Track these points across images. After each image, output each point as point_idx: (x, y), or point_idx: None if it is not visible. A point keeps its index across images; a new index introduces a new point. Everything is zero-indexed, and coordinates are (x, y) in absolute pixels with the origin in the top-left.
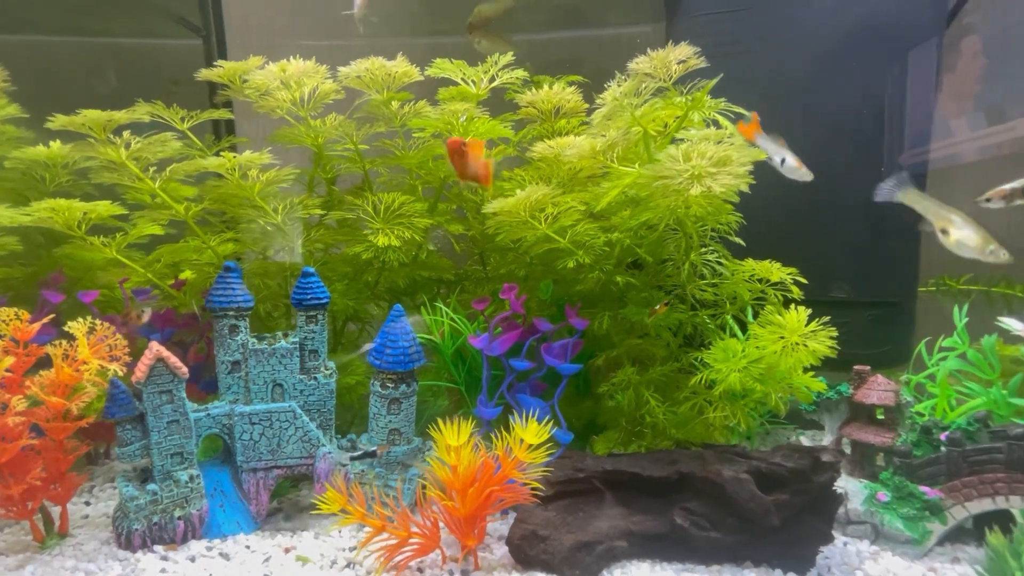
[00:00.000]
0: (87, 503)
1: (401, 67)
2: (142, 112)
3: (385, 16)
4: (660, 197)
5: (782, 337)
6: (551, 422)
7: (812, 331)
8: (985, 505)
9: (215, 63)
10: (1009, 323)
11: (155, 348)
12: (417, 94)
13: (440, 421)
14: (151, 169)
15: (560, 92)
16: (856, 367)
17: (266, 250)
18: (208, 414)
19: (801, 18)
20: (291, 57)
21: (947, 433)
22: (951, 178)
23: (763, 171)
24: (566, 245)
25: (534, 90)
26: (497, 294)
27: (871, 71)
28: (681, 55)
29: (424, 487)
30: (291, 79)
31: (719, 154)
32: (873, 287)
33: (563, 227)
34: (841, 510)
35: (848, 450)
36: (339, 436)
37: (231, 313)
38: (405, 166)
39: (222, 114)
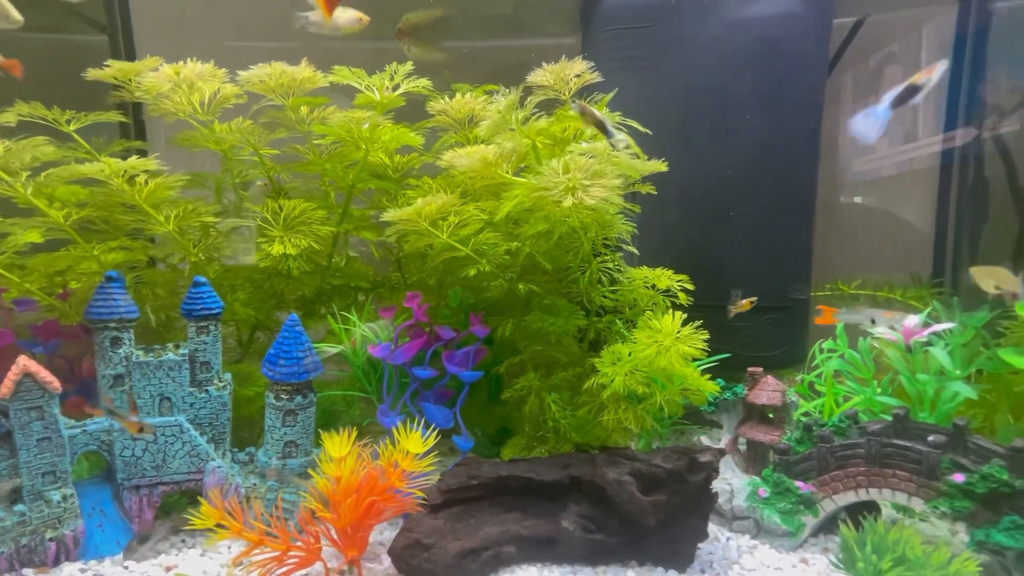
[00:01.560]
0: None
1: (304, 72)
2: (12, 115)
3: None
4: (546, 208)
5: (657, 341)
6: (452, 429)
7: (684, 334)
8: (849, 497)
9: (105, 63)
10: (876, 327)
11: (22, 363)
12: (346, 99)
13: (340, 431)
14: (24, 175)
15: (472, 101)
16: (750, 369)
17: (167, 258)
18: (84, 431)
19: (702, 34)
20: (204, 59)
21: (819, 431)
22: (844, 189)
23: (668, 184)
24: (468, 253)
25: (447, 98)
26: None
27: (768, 86)
28: (577, 69)
29: (306, 500)
30: (186, 82)
31: (594, 168)
32: (769, 293)
33: (466, 236)
34: (728, 507)
35: (743, 448)
36: (236, 450)
37: (112, 325)
38: (311, 172)
39: (111, 116)
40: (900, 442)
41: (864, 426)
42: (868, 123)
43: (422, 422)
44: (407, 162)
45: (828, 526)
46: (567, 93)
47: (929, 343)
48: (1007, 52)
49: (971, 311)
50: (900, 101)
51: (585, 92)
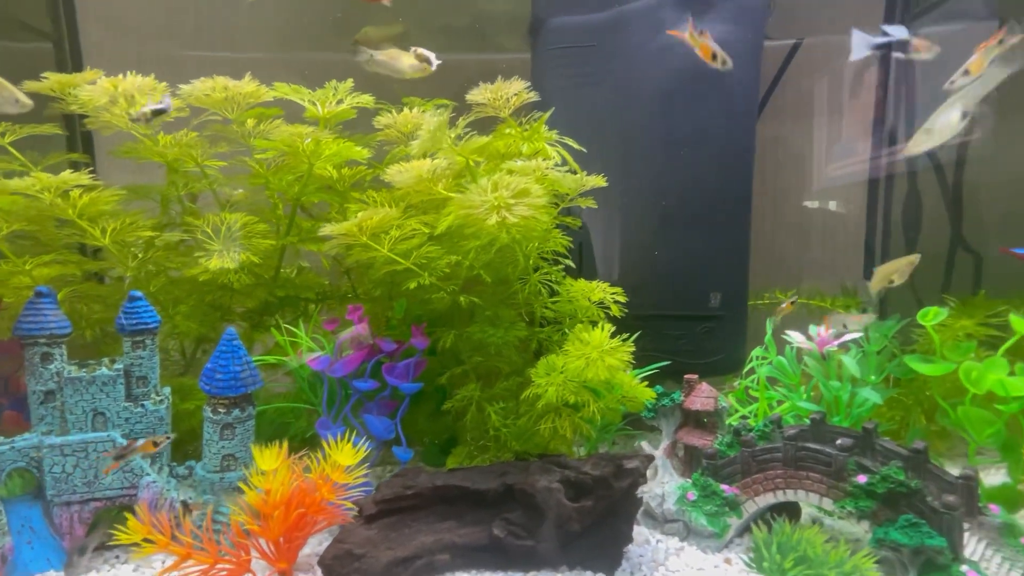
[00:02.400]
0: None
1: (248, 87)
2: None
3: (280, 30)
4: (478, 224)
5: (584, 354)
6: (393, 440)
7: (612, 346)
8: (769, 499)
9: (43, 75)
10: (791, 336)
11: None
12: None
13: (287, 443)
14: None
15: (419, 115)
16: (686, 376)
17: (108, 272)
18: (12, 447)
19: (641, 53)
20: (160, 68)
21: (744, 435)
22: (776, 207)
23: (611, 198)
24: (409, 266)
25: (393, 113)
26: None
27: (703, 104)
28: (514, 89)
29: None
30: (124, 95)
31: (520, 186)
32: (706, 302)
33: (408, 249)
34: (660, 510)
35: (681, 453)
36: (176, 464)
37: (42, 340)
38: (254, 185)
39: (47, 129)
40: (812, 446)
41: (783, 430)
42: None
43: (362, 434)
44: (355, 175)
45: (751, 527)
46: (506, 111)
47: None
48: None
49: (884, 319)
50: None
51: (524, 110)
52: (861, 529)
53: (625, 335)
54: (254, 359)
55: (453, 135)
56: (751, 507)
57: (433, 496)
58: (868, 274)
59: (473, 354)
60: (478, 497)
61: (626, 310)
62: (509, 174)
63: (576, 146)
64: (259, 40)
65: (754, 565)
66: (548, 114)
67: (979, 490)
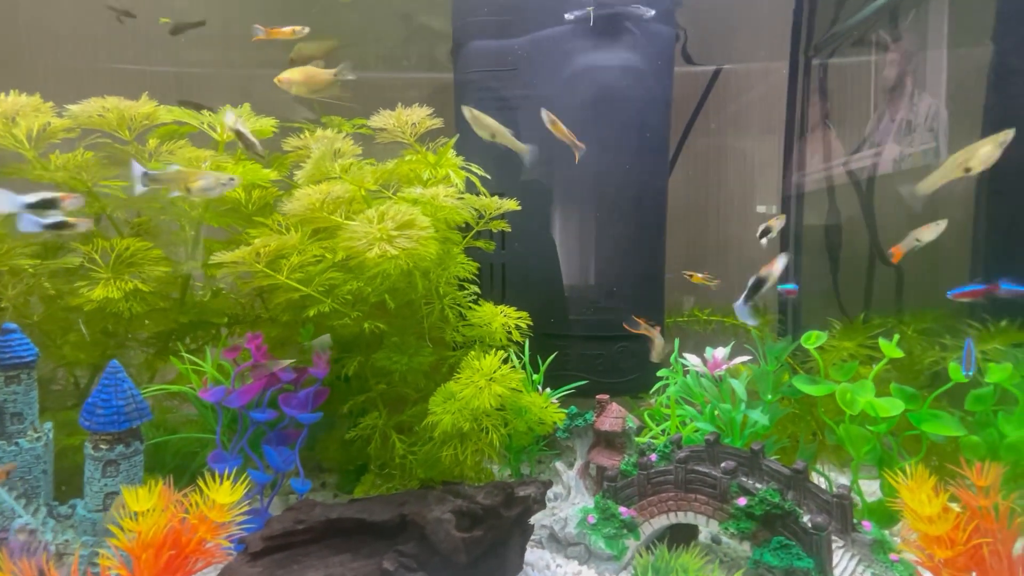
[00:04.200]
0: None
1: (144, 108)
2: None
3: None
4: (364, 254)
5: (474, 381)
6: (290, 472)
7: (501, 374)
8: (663, 521)
9: None
10: (687, 359)
11: None
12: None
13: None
14: None
15: (334, 137)
16: (598, 396)
17: None
18: None
19: (553, 81)
20: (76, 80)
21: (643, 457)
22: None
23: (528, 221)
24: (310, 293)
25: (306, 134)
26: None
27: (616, 129)
28: (415, 117)
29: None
30: (4, 115)
31: (405, 218)
32: (623, 321)
33: (309, 275)
34: (563, 534)
35: (594, 473)
36: (58, 503)
37: None
38: (154, 208)
39: None
40: (700, 468)
41: (677, 452)
42: (741, 312)
43: (259, 466)
44: (264, 197)
45: (651, 547)
46: (410, 137)
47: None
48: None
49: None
50: (752, 293)
51: (429, 136)
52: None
53: (540, 355)
54: (154, 388)
55: (348, 161)
56: (647, 529)
57: (327, 529)
58: (781, 293)
59: (380, 380)
60: (374, 529)
61: (543, 331)
62: (400, 203)
63: (481, 172)
64: (200, 54)
65: None
66: (454, 140)
67: (857, 503)
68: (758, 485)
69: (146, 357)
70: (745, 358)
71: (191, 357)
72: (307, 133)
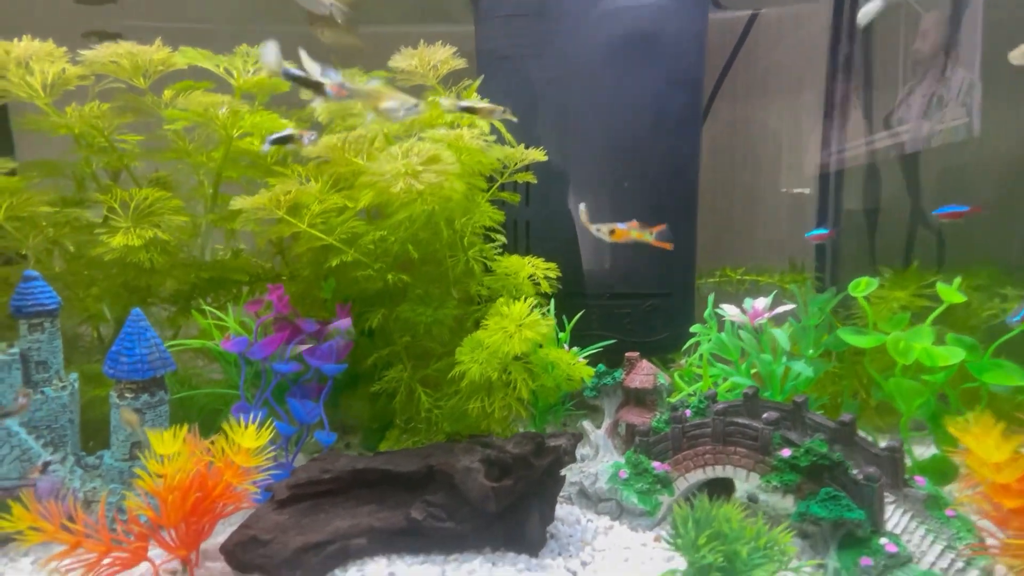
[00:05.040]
0: None
1: (157, 54)
2: None
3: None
4: (390, 194)
5: (504, 328)
6: (317, 424)
7: (531, 320)
8: (699, 475)
9: None
10: (725, 309)
11: None
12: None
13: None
14: None
15: (354, 72)
16: (627, 354)
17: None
18: None
19: (581, 25)
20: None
21: (686, 409)
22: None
23: (552, 173)
24: (331, 242)
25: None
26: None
27: (647, 74)
28: (440, 56)
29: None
30: (17, 60)
31: (430, 153)
32: (651, 279)
33: (332, 225)
34: (593, 489)
35: (623, 431)
36: (84, 453)
37: None
38: (166, 160)
39: None
40: (740, 420)
41: (713, 406)
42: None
43: (284, 418)
44: (282, 150)
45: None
46: (432, 79)
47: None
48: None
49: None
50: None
51: (453, 78)
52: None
53: (565, 315)
54: (176, 343)
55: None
56: (682, 484)
57: (353, 480)
58: (820, 252)
59: (404, 334)
60: (401, 480)
61: (568, 289)
62: (424, 141)
63: (510, 116)
64: (215, 10)
65: (671, 541)
66: (478, 82)
67: (907, 462)
68: (801, 439)
69: (168, 315)
70: (788, 307)
71: (214, 310)
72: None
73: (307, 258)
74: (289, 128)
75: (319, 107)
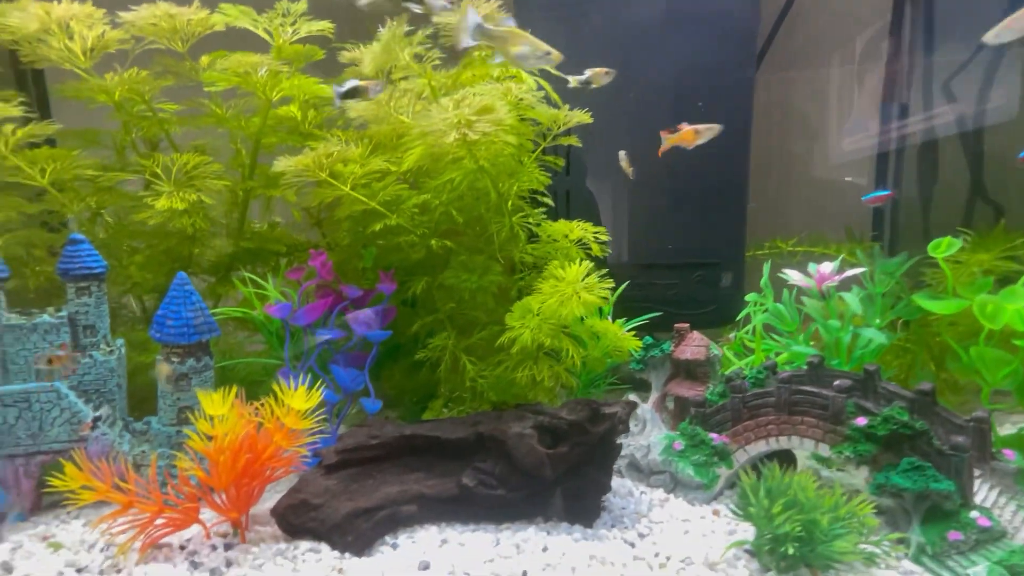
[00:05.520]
0: None
1: (196, 14)
2: None
3: None
4: (440, 150)
5: (559, 291)
6: (361, 391)
7: (588, 283)
8: (761, 447)
9: None
10: (788, 274)
11: None
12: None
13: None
14: None
15: (401, 22)
16: (676, 325)
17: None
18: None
19: None
20: None
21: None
22: (780, 150)
23: (597, 140)
24: (373, 206)
25: (361, 48)
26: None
27: (697, 39)
28: (485, 10)
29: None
30: (58, 23)
31: (482, 103)
32: (700, 250)
33: (374, 189)
34: (645, 461)
35: (671, 405)
36: (133, 419)
37: None
38: (204, 125)
39: None
40: (808, 388)
41: (776, 375)
42: None
43: (328, 385)
44: (320, 116)
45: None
46: None
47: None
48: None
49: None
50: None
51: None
52: (861, 481)
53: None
54: (218, 310)
55: (410, 52)
56: (742, 456)
57: (401, 446)
58: (877, 222)
59: (447, 302)
60: (449, 447)
61: (614, 259)
62: (474, 94)
63: (557, 73)
64: None
65: (740, 512)
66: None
67: (992, 435)
68: (875, 408)
69: (208, 285)
70: (858, 269)
71: (255, 278)
72: (362, 46)
73: (346, 227)
74: (354, 80)
75: (368, 59)
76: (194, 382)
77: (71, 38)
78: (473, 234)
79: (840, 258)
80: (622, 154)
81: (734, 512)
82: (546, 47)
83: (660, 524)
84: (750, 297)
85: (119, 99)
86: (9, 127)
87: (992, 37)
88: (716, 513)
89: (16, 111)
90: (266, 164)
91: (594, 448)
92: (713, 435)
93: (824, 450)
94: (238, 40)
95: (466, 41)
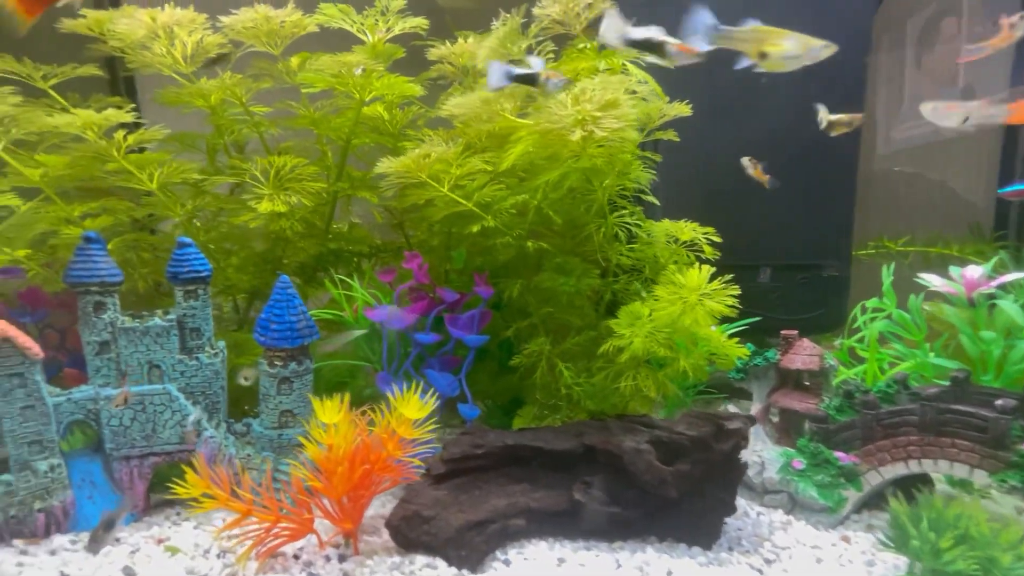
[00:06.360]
0: None
1: (291, 16)
2: None
3: None
4: (552, 149)
5: (682, 298)
6: (458, 398)
7: (712, 290)
8: (899, 469)
9: (80, 12)
10: (928, 279)
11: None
12: (339, 49)
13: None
14: None
15: (476, 45)
16: (783, 332)
17: (155, 224)
18: (70, 399)
19: None
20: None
21: (863, 397)
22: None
23: (692, 131)
24: (471, 208)
25: (449, 44)
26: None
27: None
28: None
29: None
30: (163, 28)
31: (606, 98)
32: (804, 250)
33: (470, 190)
34: (759, 480)
35: (776, 418)
36: (233, 421)
37: (94, 288)
38: (301, 128)
39: (87, 70)
40: (961, 408)
41: (917, 391)
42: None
43: (428, 389)
44: (406, 116)
45: (873, 501)
46: (578, 26)
47: (993, 296)
48: None
49: None
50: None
51: (598, 25)
52: (1010, 509)
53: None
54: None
55: (524, 44)
56: (874, 478)
57: (504, 456)
58: (1000, 219)
59: (542, 306)
60: (553, 458)
61: (711, 260)
62: (597, 88)
63: (662, 62)
64: None
65: (892, 544)
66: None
67: None
68: None
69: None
70: (1015, 275)
71: (346, 279)
72: (447, 43)
73: (436, 228)
74: (539, 63)
75: (483, 53)
76: (295, 385)
77: (172, 43)
78: (568, 235)
79: (994, 260)
80: (746, 161)
81: (883, 543)
82: (818, 40)
83: (787, 549)
84: (872, 303)
85: (214, 103)
86: (120, 133)
87: (929, 111)
88: (846, 539)
89: (128, 116)
90: (349, 165)
91: (718, 466)
92: (839, 454)
93: (980, 477)
94: (314, 41)
95: (703, 46)
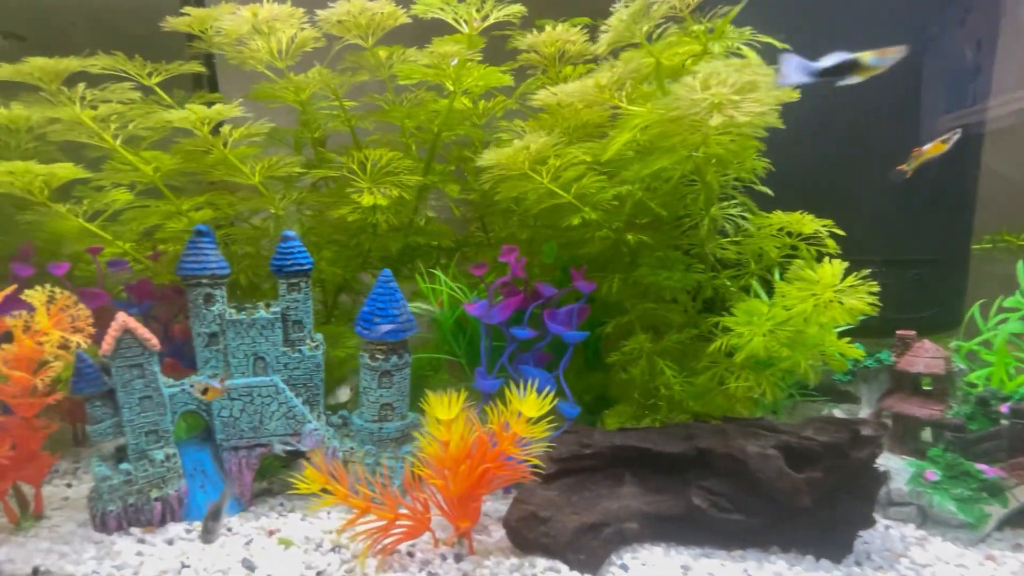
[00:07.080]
0: (68, 485)
1: (385, 8)
2: (101, 64)
3: None
4: (676, 136)
5: (814, 294)
6: (555, 394)
7: (849, 286)
8: None
9: (182, 11)
10: None
11: (121, 319)
12: (413, 41)
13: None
14: (112, 127)
15: (564, 34)
16: (900, 332)
17: (249, 214)
18: (183, 390)
19: None
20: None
21: (1009, 404)
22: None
23: (793, 115)
24: (570, 200)
25: (535, 33)
26: (496, 259)
27: (917, 13)
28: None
29: (414, 466)
30: (263, 25)
31: (743, 80)
32: (917, 243)
33: (567, 181)
34: (883, 490)
35: (889, 424)
36: (330, 412)
37: (205, 281)
38: (392, 121)
39: (192, 67)
40: None
41: None
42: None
43: (528, 385)
44: (492, 107)
45: (1016, 519)
46: (684, 8)
47: None
48: None
49: None
50: (835, 72)
51: (707, 5)
52: None
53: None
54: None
55: (646, 28)
56: (1022, 494)
57: (610, 457)
58: None
59: (639, 302)
60: (662, 461)
61: (823, 249)
62: (723, 70)
63: (780, 45)
64: None
65: None
66: (737, 9)
67: None
68: None
69: (374, 278)
70: None
71: (438, 273)
72: (534, 31)
73: (530, 221)
74: (842, 54)
75: (606, 38)
76: (395, 379)
77: (270, 39)
78: (667, 228)
79: None
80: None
81: None
82: (894, 48)
83: (928, 568)
84: (1010, 302)
85: (305, 97)
86: (227, 128)
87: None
88: (992, 559)
89: (237, 111)
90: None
91: (853, 475)
92: (982, 466)
93: None
94: (389, 35)
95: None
